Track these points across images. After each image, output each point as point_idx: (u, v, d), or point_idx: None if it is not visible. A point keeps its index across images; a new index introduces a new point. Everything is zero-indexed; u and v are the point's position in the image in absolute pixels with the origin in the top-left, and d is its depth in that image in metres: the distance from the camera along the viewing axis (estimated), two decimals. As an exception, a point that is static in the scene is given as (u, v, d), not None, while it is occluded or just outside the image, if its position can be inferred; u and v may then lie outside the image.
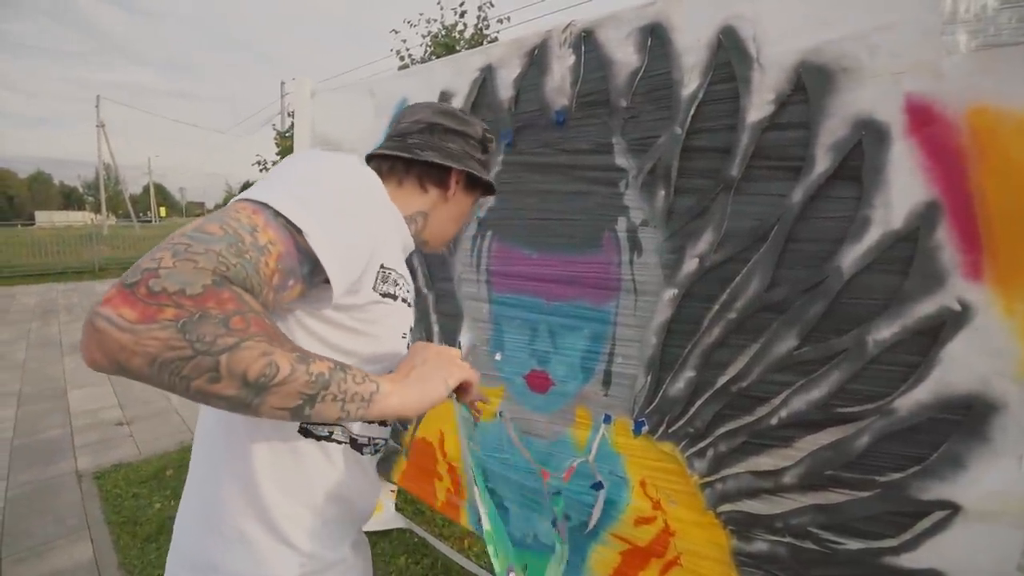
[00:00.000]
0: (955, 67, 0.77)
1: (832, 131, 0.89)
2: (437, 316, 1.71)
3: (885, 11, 0.82)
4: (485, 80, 1.43)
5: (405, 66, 8.00)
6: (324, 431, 0.68)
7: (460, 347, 1.64)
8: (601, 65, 1.18)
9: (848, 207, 0.90)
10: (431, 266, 1.70)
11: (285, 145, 10.35)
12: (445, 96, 1.55)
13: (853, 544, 0.97)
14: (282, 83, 16.87)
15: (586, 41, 1.21)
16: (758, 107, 0.97)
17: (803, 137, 0.93)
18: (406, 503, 2.29)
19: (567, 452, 1.40)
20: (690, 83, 1.05)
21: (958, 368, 0.83)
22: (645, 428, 1.23)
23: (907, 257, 0.85)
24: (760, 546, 1.08)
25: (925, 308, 0.85)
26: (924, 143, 0.80)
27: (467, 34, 8.14)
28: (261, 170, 11.40)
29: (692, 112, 1.05)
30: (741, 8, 0.96)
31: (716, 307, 1.05)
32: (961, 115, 0.77)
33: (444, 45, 7.90)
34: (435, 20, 8.21)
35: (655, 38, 1.10)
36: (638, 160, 1.14)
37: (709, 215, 1.05)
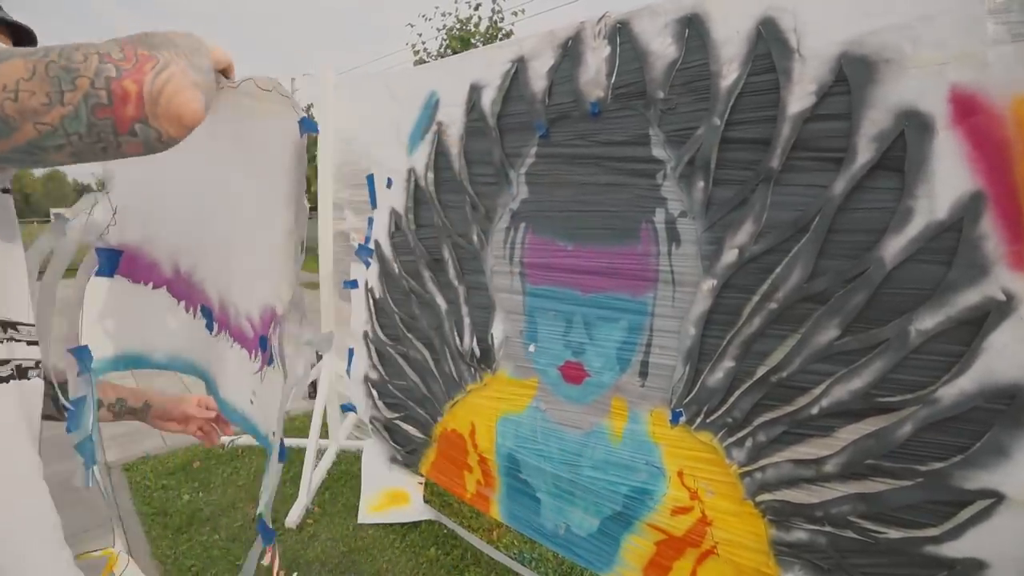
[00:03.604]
0: (1001, 57, 0.81)
1: (874, 122, 0.93)
2: (468, 309, 1.78)
3: (929, 1, 0.86)
4: (517, 71, 1.49)
5: (420, 60, 8.24)
6: None
7: (492, 339, 1.71)
8: (637, 56, 1.23)
9: (891, 198, 0.94)
10: (462, 260, 1.77)
11: None
12: (475, 88, 1.61)
13: (894, 533, 1.02)
14: (292, 79, 17.29)
15: (621, 32, 1.26)
16: (799, 98, 1.01)
17: (844, 128, 0.97)
18: (434, 495, 2.38)
19: (602, 443, 1.47)
20: (729, 74, 1.09)
21: (1002, 357, 0.87)
22: (683, 418, 1.29)
23: (951, 247, 0.89)
24: (799, 535, 1.14)
25: (969, 298, 0.89)
26: (969, 133, 0.84)
27: (482, 27, 8.38)
28: (274, 164, 11.96)
29: (731, 103, 1.09)
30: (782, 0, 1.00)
31: (756, 298, 1.11)
32: (1007, 105, 0.81)
33: (459, 39, 8.15)
34: (450, 14, 8.48)
35: (692, 29, 1.14)
36: (676, 151, 1.19)
37: (749, 206, 1.10)
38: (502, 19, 8.61)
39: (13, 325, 0.62)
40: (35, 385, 0.64)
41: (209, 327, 1.05)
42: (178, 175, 0.89)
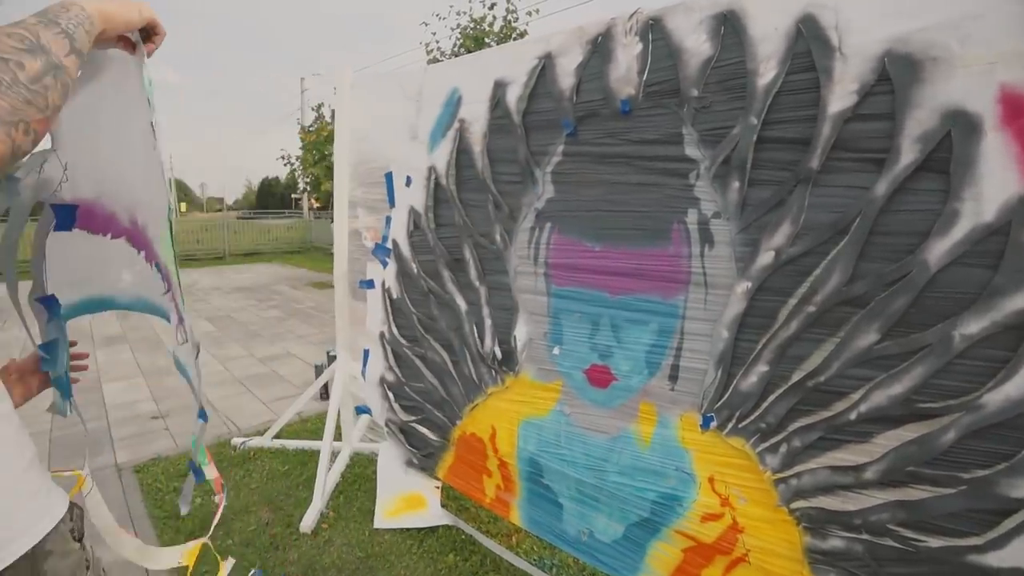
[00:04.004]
0: (1053, 58, 0.82)
1: (919, 122, 0.95)
2: (490, 310, 1.81)
3: (978, -1, 0.87)
4: (544, 68, 1.51)
5: (433, 60, 8.65)
6: None
7: (515, 341, 1.74)
8: (670, 54, 1.25)
9: (935, 200, 0.95)
10: (484, 260, 1.79)
11: (308, 139, 11.14)
12: (500, 85, 1.63)
13: (935, 541, 1.03)
14: (302, 79, 17.97)
15: (653, 29, 1.28)
16: (840, 98, 1.02)
17: (887, 128, 0.98)
18: (450, 499, 2.42)
19: (629, 447, 1.49)
20: (766, 72, 1.11)
21: (1050, 363, 0.88)
22: (714, 423, 1.31)
23: (998, 251, 0.90)
24: (835, 543, 1.15)
25: (1017, 302, 0.90)
26: (1018, 135, 0.85)
27: (496, 27, 8.76)
28: (285, 164, 12.70)
29: (769, 102, 1.11)
30: (823, -4, 1.02)
31: (794, 300, 1.12)
32: (1059, 107, 0.82)
33: (474, 38, 8.53)
34: (464, 13, 8.87)
35: (728, 26, 1.16)
36: (711, 151, 1.21)
37: (786, 207, 1.12)
38: (516, 19, 8.94)
39: None
40: None
41: (162, 283, 1.16)
42: (121, 138, 0.98)
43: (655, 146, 1.31)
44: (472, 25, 8.93)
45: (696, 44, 1.20)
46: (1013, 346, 0.92)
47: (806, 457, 1.17)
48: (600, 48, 1.38)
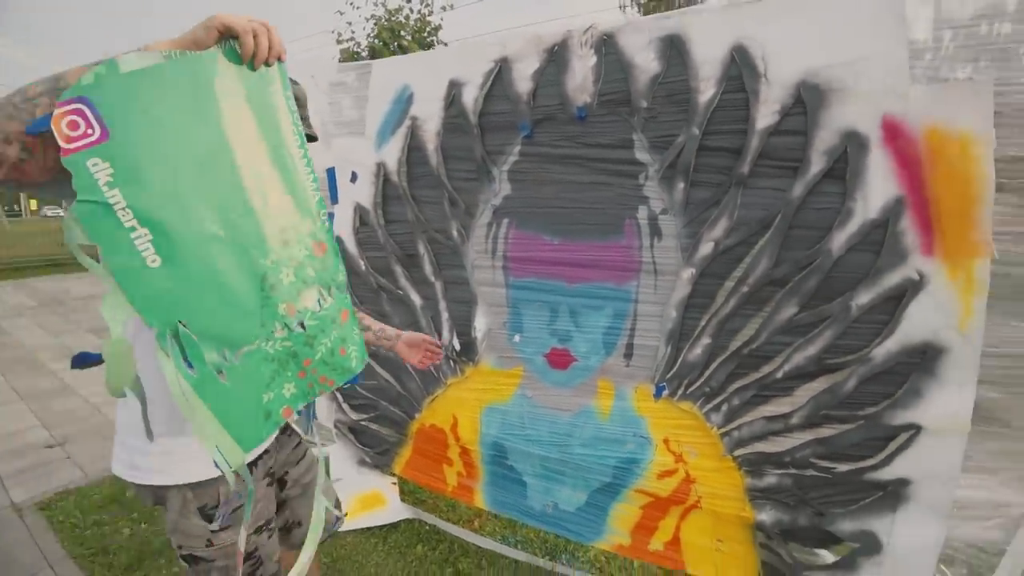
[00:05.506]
0: (918, 94, 1.15)
1: (824, 139, 1.26)
2: (447, 304, 1.97)
3: (867, 44, 1.19)
4: (501, 71, 1.68)
5: (347, 50, 8.65)
6: None
7: (475, 333, 1.92)
8: (622, 67, 1.48)
9: (836, 201, 1.28)
10: (439, 255, 1.94)
11: None
12: (455, 84, 1.78)
13: (843, 467, 1.39)
14: None
15: (607, 44, 1.50)
16: (765, 116, 1.31)
17: (801, 143, 1.29)
18: (405, 493, 2.55)
19: (591, 421, 1.74)
20: (706, 90, 1.37)
21: (917, 323, 1.24)
22: (666, 391, 1.59)
23: (880, 240, 1.24)
24: (770, 480, 1.48)
25: (893, 278, 1.25)
26: (895, 152, 1.19)
27: (411, 20, 9.04)
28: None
29: (708, 116, 1.38)
30: (751, 30, 1.29)
31: (730, 283, 1.42)
32: (921, 133, 1.15)
33: (389, 30, 8.71)
34: (380, 3, 9.08)
35: (673, 48, 1.41)
36: (659, 155, 1.47)
37: (723, 205, 1.40)
38: (431, 12, 9.26)
39: None
40: None
41: None
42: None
43: (609, 150, 1.54)
44: (387, 16, 9.11)
45: (646, 61, 1.44)
46: (891, 311, 1.27)
47: (744, 412, 1.48)
48: (556, 57, 1.58)
